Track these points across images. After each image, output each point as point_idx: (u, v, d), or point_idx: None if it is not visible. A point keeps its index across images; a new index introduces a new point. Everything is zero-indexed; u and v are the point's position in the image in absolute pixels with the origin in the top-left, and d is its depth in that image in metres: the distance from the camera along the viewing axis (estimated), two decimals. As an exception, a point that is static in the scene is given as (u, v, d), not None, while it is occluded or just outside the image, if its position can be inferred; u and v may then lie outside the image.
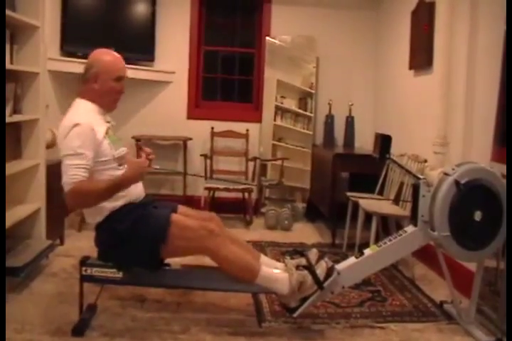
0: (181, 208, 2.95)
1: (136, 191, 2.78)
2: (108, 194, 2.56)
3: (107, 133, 2.64)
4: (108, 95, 2.71)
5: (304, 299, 2.66)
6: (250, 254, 2.83)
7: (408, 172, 3.30)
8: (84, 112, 2.63)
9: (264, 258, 2.94)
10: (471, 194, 2.63)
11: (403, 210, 3.91)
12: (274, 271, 2.73)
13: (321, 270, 2.67)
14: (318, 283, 2.64)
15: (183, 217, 2.75)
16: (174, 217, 2.70)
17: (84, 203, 2.61)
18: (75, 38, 4.92)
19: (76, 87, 5.36)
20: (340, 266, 2.73)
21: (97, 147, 2.55)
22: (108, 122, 2.75)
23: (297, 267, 2.69)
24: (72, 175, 2.45)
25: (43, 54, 3.60)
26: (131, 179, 2.63)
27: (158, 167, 2.88)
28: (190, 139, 5.51)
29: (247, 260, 2.72)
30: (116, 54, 2.76)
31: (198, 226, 2.67)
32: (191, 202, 5.51)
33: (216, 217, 3.00)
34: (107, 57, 2.72)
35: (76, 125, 2.50)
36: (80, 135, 2.49)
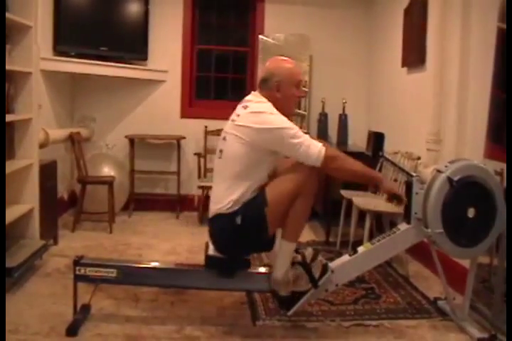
0: None
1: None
2: (359, 174, 2.70)
3: None
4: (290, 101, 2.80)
5: (295, 293, 2.67)
6: None
7: (401, 169, 3.30)
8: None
9: None
10: (464, 191, 2.64)
11: (397, 208, 3.91)
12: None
13: (316, 269, 2.67)
14: (313, 281, 2.64)
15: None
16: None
17: (339, 169, 2.66)
18: (68, 37, 4.91)
19: (69, 86, 5.39)
20: (334, 264, 2.74)
21: None
22: None
23: (293, 263, 2.69)
24: (315, 143, 2.58)
25: (35, 54, 3.59)
26: (382, 180, 2.73)
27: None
28: (184, 138, 5.51)
29: (304, 227, 2.78)
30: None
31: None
32: (185, 200, 5.54)
33: None
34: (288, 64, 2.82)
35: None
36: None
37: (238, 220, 2.60)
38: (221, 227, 2.69)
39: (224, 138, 2.71)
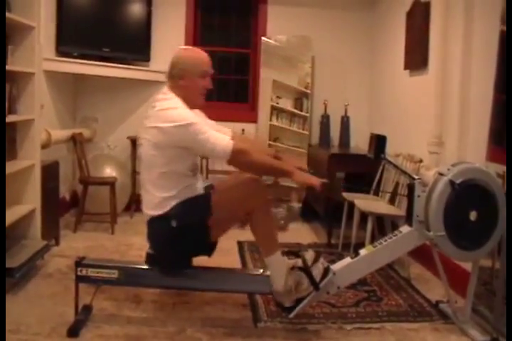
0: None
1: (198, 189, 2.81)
2: (268, 168, 2.68)
3: None
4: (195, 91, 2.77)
5: (299, 300, 2.67)
6: None
7: (403, 172, 3.29)
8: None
9: None
10: (466, 194, 2.64)
11: (399, 210, 3.92)
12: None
13: (317, 271, 2.66)
14: (314, 284, 2.64)
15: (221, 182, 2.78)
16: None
17: (247, 163, 2.63)
18: (71, 38, 4.91)
19: (71, 87, 5.39)
20: (335, 267, 2.73)
21: None
22: None
23: (293, 268, 2.69)
24: (221, 137, 2.56)
25: (38, 54, 3.59)
26: (293, 173, 2.68)
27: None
28: (186, 139, 5.49)
29: (276, 232, 2.76)
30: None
31: (242, 183, 2.70)
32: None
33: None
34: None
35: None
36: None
37: (173, 223, 2.61)
38: (156, 230, 2.72)
39: (141, 144, 2.74)
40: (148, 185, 2.71)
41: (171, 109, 2.61)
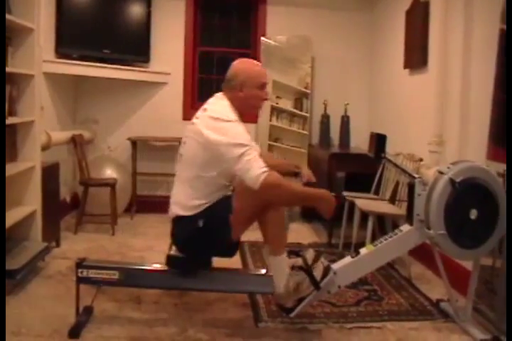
0: None
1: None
2: (296, 198, 2.66)
3: None
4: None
5: (301, 300, 2.66)
6: None
7: (403, 171, 3.30)
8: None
9: None
10: (466, 192, 2.63)
11: (399, 209, 3.92)
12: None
13: (318, 271, 2.65)
14: (315, 284, 2.63)
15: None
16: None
17: (279, 196, 2.56)
18: (70, 39, 4.92)
19: (71, 89, 5.40)
20: (336, 266, 2.72)
21: None
22: None
23: (293, 267, 2.68)
24: (261, 166, 2.49)
25: (38, 56, 3.59)
26: (323, 199, 2.64)
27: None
28: (186, 140, 5.50)
29: (285, 233, 2.77)
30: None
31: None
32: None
33: None
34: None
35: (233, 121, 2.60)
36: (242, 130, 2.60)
37: (200, 223, 2.62)
38: (183, 229, 2.72)
39: (184, 143, 2.74)
40: (184, 184, 2.70)
41: (222, 121, 2.59)
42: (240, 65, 2.82)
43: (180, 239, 2.78)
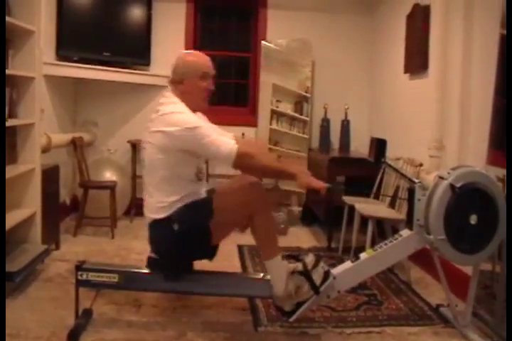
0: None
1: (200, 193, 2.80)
2: (273, 170, 2.71)
3: None
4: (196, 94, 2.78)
5: (300, 304, 2.66)
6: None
7: (403, 176, 3.30)
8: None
9: None
10: (466, 197, 2.63)
11: (399, 214, 3.91)
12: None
13: (317, 275, 2.66)
14: (315, 288, 2.63)
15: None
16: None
17: (254, 166, 2.63)
18: (71, 42, 4.93)
19: (71, 91, 5.40)
20: (336, 271, 2.73)
21: None
22: None
23: (293, 272, 2.68)
24: (226, 140, 2.55)
25: (38, 58, 3.59)
26: (296, 176, 2.67)
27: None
28: (186, 143, 5.49)
29: (277, 236, 2.76)
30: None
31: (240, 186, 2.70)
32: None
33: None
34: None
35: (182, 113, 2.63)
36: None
37: (175, 226, 2.62)
38: (158, 233, 2.71)
39: (144, 148, 2.74)
40: (150, 189, 2.71)
41: (174, 113, 2.61)
42: (181, 58, 2.81)
43: (155, 242, 2.77)
